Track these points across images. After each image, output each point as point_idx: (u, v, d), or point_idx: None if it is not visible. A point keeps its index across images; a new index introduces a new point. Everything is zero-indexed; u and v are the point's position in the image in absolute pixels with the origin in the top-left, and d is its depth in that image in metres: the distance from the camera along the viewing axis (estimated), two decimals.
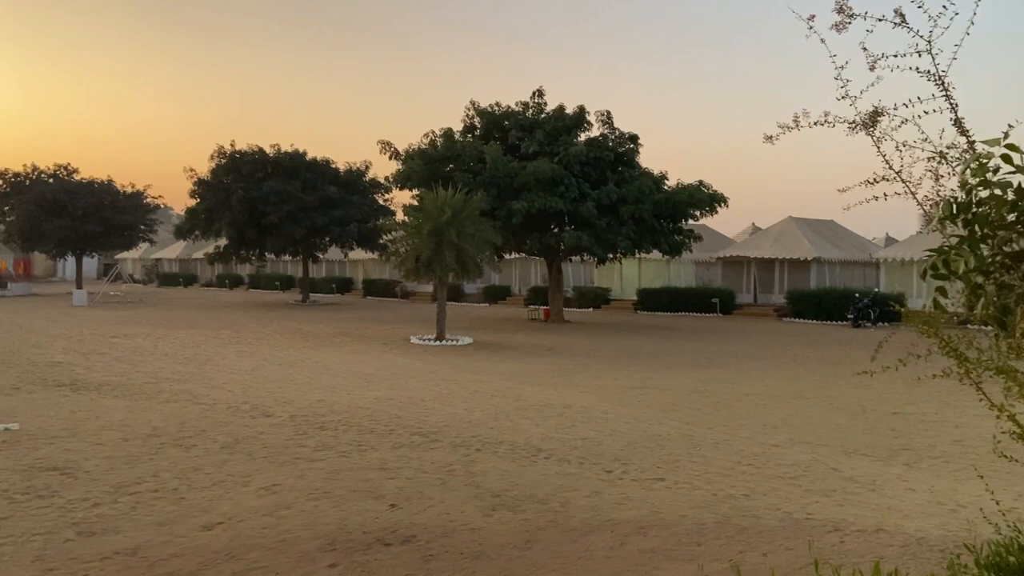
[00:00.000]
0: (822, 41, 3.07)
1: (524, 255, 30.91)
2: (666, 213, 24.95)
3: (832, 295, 28.54)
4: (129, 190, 43.18)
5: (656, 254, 28.34)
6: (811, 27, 3.05)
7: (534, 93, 26.26)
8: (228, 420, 9.63)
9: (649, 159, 73.12)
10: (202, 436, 8.69)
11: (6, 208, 41.28)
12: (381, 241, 34.19)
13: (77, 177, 42.18)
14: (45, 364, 14.41)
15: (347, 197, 34.37)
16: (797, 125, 3.25)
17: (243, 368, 14.48)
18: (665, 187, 25.41)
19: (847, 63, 3.05)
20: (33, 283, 45.45)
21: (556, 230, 25.33)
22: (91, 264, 57.71)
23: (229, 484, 6.81)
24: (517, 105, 26.28)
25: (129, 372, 13.64)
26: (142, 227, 43.81)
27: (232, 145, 34.73)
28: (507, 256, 30.03)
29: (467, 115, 26.54)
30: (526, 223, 23.84)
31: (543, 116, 25.88)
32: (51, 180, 41.24)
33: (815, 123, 3.20)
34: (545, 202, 22.86)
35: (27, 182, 41.00)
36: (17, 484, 6.67)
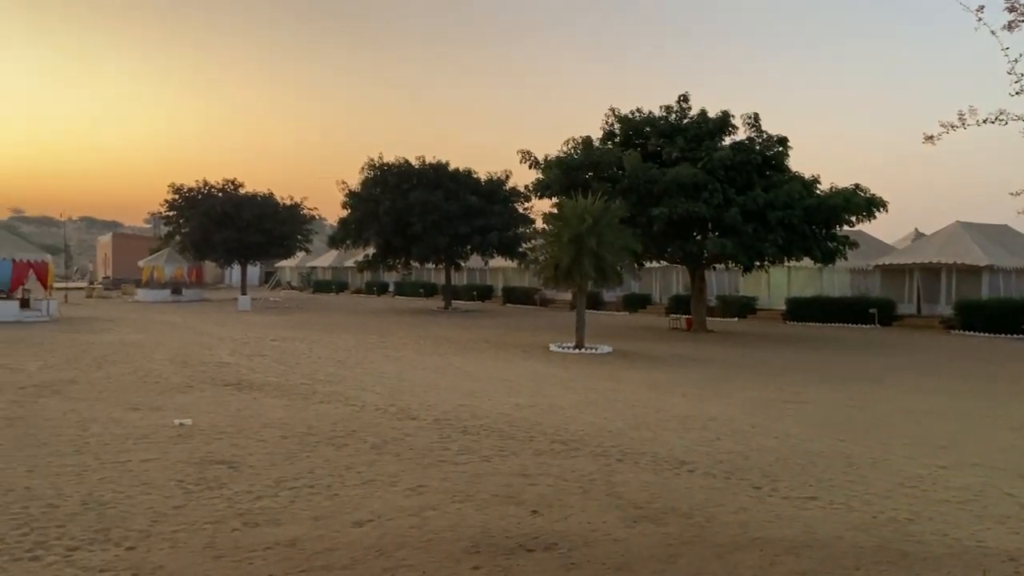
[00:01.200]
0: (993, 34, 2.80)
1: (665, 263, 30.36)
2: (819, 219, 23.76)
3: (1007, 306, 26.16)
4: (288, 203, 46.12)
5: (807, 262, 27.03)
6: (980, 19, 2.79)
7: (679, 98, 25.80)
8: (377, 422, 10.01)
9: (800, 162, 70.05)
10: (353, 436, 9.08)
11: (181, 220, 45.10)
12: (521, 249, 34.65)
13: (242, 191, 45.53)
14: (215, 364, 15.56)
15: (488, 206, 35.06)
16: (963, 123, 2.98)
17: (390, 372, 15.03)
18: (818, 191, 24.21)
19: (1020, 57, 2.76)
20: (204, 289, 49.33)
21: (699, 237, 24.70)
22: (254, 272, 61.97)
23: (378, 483, 7.07)
24: (660, 110, 25.90)
25: (287, 374, 14.49)
26: (299, 237, 46.65)
27: (380, 158, 36.33)
28: (647, 264, 29.58)
29: (606, 122, 26.42)
30: (667, 230, 23.40)
31: (686, 121, 25.36)
32: (220, 194, 44.73)
33: (984, 121, 2.92)
34: (687, 207, 22.34)
35: (199, 196, 44.68)
36: (191, 475, 7.21)
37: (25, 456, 7.81)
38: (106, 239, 78.05)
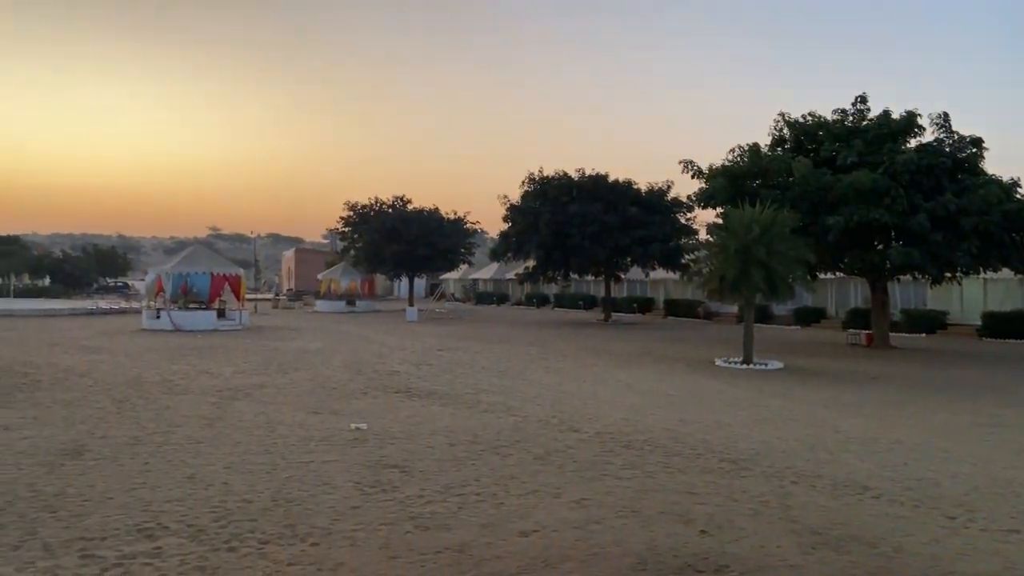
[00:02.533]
0: None
1: (841, 274, 28.59)
2: (1020, 225, 21.54)
3: None
4: (452, 217, 47.78)
5: (1006, 272, 24.55)
6: None
7: (856, 100, 24.30)
8: (539, 433, 10.08)
9: (997, 165, 64.09)
10: (517, 446, 9.19)
11: (355, 236, 47.87)
12: (683, 261, 33.87)
13: (410, 207, 47.66)
14: (386, 372, 16.31)
15: (649, 217, 34.59)
16: None
17: (551, 384, 15.12)
18: (1018, 195, 21.96)
19: None
20: (375, 301, 51.99)
21: (880, 247, 23.06)
22: (420, 284, 64.56)
23: (542, 494, 7.10)
24: (834, 113, 24.50)
25: (452, 383, 14.94)
26: (462, 250, 48.18)
27: (540, 172, 36.81)
28: (821, 276, 27.96)
29: (775, 128, 25.33)
30: (843, 240, 22.02)
31: (864, 124, 23.82)
32: (390, 211, 47.07)
33: None
34: (866, 215, 20.91)
35: (371, 213, 47.25)
36: (366, 478, 7.57)
37: (223, 454, 8.52)
38: (290, 254, 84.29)
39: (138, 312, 33.67)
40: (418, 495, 6.97)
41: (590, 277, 43.02)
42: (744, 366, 18.56)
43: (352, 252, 49.18)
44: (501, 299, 59.99)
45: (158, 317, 28.72)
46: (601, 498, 6.99)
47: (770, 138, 25.40)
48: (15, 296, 52.05)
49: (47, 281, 64.81)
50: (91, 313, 38.98)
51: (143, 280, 52.40)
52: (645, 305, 45.60)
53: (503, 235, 38.05)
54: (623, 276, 40.66)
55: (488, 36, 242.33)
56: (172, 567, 5.11)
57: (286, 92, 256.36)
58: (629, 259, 36.77)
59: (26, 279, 63.86)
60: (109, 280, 75.07)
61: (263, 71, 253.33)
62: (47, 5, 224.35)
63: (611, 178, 36.38)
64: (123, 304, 45.49)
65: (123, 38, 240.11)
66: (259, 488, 7.10)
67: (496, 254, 39.60)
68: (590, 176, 36.26)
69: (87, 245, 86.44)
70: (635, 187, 36.54)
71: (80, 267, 70.75)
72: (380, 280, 62.85)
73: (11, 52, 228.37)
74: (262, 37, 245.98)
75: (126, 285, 72.64)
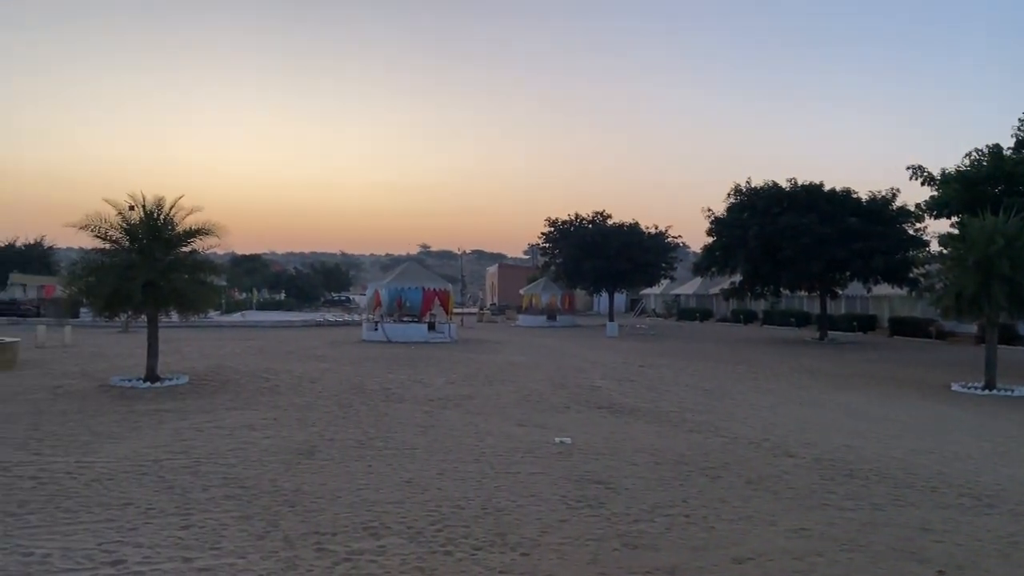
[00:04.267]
0: None
1: None
2: None
3: None
4: (652, 231, 47.22)
5: None
6: None
7: None
8: (750, 456, 9.62)
9: None
10: (726, 469, 8.82)
11: (555, 251, 48.68)
12: (912, 275, 31.05)
13: (610, 222, 47.71)
14: (588, 388, 16.36)
15: (870, 228, 32.06)
16: None
17: (761, 404, 14.40)
18: None
19: None
20: (575, 316, 52.48)
21: None
22: (620, 299, 64.32)
23: (756, 520, 6.75)
24: None
25: (656, 400, 14.67)
26: (663, 265, 47.41)
27: (748, 182, 35.41)
28: None
29: (1020, 128, 22.60)
30: None
31: None
32: (589, 226, 47.41)
33: None
34: None
35: (571, 228, 47.85)
36: (571, 492, 7.60)
37: (436, 460, 8.93)
38: (493, 269, 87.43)
39: (359, 324, 36.38)
40: (624, 513, 6.88)
41: (802, 293, 40.59)
42: (986, 392, 16.63)
43: (552, 267, 50.01)
44: (705, 315, 58.28)
45: (376, 329, 30.85)
46: (822, 529, 6.53)
47: (1013, 140, 22.71)
48: (257, 308, 58.16)
49: (282, 295, 71.97)
50: (319, 325, 42.66)
51: (363, 294, 56.62)
52: (866, 323, 42.24)
53: (707, 249, 36.95)
54: (840, 292, 37.96)
55: (687, 43, 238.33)
56: (395, 565, 5.40)
57: (489, 113, 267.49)
58: (848, 273, 34.29)
59: (265, 293, 71.33)
60: (334, 294, 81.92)
61: (466, 95, 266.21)
62: (298, 40, 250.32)
63: (827, 187, 34.22)
64: (346, 316, 49.37)
65: (348, 81, 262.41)
66: (470, 496, 7.35)
67: (700, 268, 38.54)
68: (803, 185, 34.32)
69: (315, 263, 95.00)
70: (854, 196, 34.09)
71: (310, 282, 77.90)
72: (580, 295, 63.37)
73: (260, 88, 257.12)
74: (462, 62, 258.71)
75: (349, 299, 78.82)
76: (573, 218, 48.56)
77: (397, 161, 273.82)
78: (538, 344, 29.74)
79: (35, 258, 62.15)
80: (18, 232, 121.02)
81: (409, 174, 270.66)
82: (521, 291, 53.35)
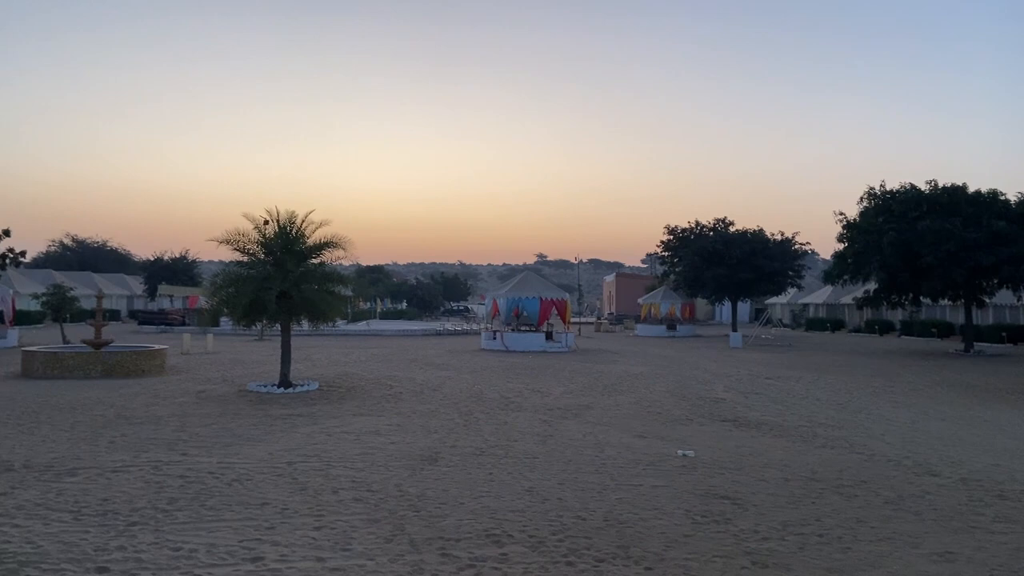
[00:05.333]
0: None
1: None
2: None
3: None
4: (778, 238, 45.51)
5: None
6: None
7: None
8: (888, 474, 9.06)
9: None
10: (863, 487, 8.35)
11: (675, 260, 47.73)
12: None
13: (732, 229, 46.37)
14: (711, 400, 15.91)
15: (1021, 232, 29.67)
16: None
17: (900, 420, 13.56)
18: None
19: None
20: (696, 326, 51.26)
21: None
22: (743, 309, 62.36)
23: (897, 542, 6.35)
24: None
25: (784, 413, 14.08)
26: (790, 273, 45.55)
27: (883, 185, 33.57)
28: None
29: None
30: None
31: None
32: (711, 233, 46.24)
33: None
34: None
35: (691, 236, 46.84)
36: (696, 507, 7.39)
37: (556, 470, 8.91)
38: (610, 279, 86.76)
39: (477, 334, 36.96)
40: (753, 530, 6.63)
41: (945, 302, 38.00)
42: None
43: (672, 276, 49.05)
44: (835, 326, 55.59)
45: (494, 338, 31.23)
46: (970, 553, 6.06)
47: None
48: (380, 318, 60.14)
49: (404, 305, 74.11)
50: (439, 334, 43.64)
51: (481, 304, 57.46)
52: (1017, 334, 39.06)
53: (838, 256, 35.19)
54: (988, 300, 35.29)
55: (818, 44, 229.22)
56: (517, 574, 5.42)
57: (607, 122, 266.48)
58: (995, 280, 31.85)
59: (388, 303, 73.69)
60: (453, 304, 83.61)
61: (580, 105, 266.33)
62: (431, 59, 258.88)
63: (971, 189, 31.97)
64: (464, 326, 50.27)
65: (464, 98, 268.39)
66: (591, 507, 7.28)
67: (830, 277, 36.77)
68: (944, 187, 32.20)
69: (435, 273, 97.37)
70: (1002, 197, 31.67)
71: (430, 292, 79.78)
72: (701, 305, 61.90)
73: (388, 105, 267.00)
74: (573, 72, 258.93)
75: (467, 308, 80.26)
76: (693, 225, 47.52)
77: (513, 172, 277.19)
78: (657, 354, 29.24)
79: (181, 271, 66.79)
80: (166, 247, 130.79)
81: (526, 184, 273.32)
82: (639, 300, 52.65)
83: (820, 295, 60.43)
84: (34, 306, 40.31)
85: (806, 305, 63.34)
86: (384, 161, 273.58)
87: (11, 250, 28.24)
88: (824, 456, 10.12)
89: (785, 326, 61.76)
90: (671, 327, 46.31)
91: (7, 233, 27.50)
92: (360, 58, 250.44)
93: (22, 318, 38.56)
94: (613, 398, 15.85)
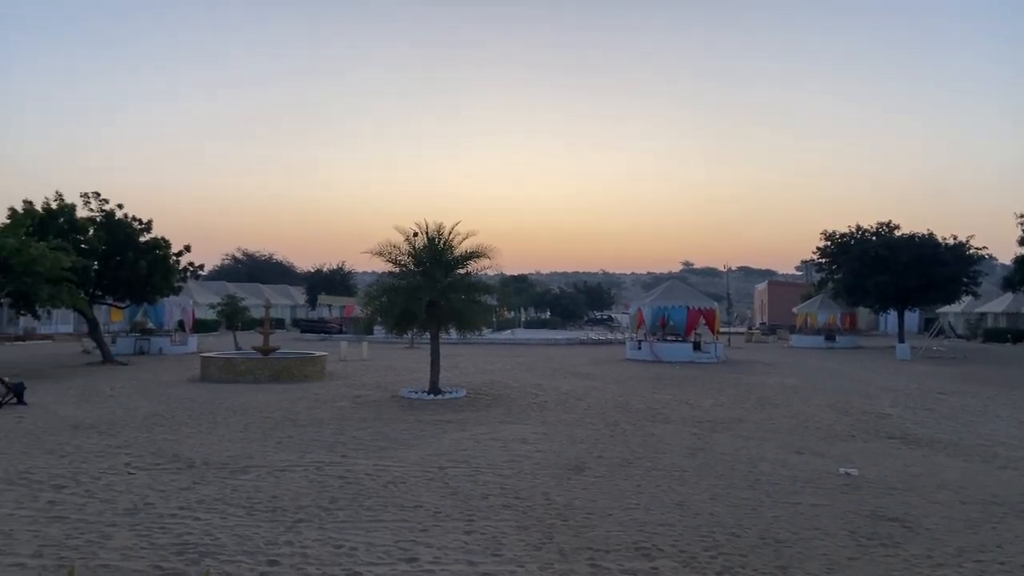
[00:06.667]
0: None
1: None
2: None
3: None
4: (950, 242, 42.13)
5: None
6: None
7: None
8: None
9: None
10: None
11: (834, 267, 45.19)
12: None
13: (898, 233, 43.40)
14: (875, 415, 14.91)
15: None
16: None
17: None
18: None
19: None
20: (858, 336, 48.29)
21: None
22: (911, 318, 58.25)
23: None
24: None
25: (959, 431, 12.98)
26: (964, 280, 42.01)
27: None
28: None
29: None
30: None
31: None
32: (873, 238, 43.47)
33: None
34: None
35: (852, 242, 44.22)
36: (861, 528, 6.94)
37: (707, 485, 8.64)
38: (762, 287, 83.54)
39: (621, 343, 36.60)
40: (926, 555, 6.14)
41: None
42: None
43: (830, 284, 46.48)
44: (1017, 336, 50.74)
45: (639, 348, 30.80)
46: None
47: None
48: (524, 327, 60.88)
49: (547, 314, 74.65)
50: (582, 343, 43.58)
51: (625, 313, 56.86)
52: None
53: (1020, 260, 32.19)
54: None
55: (993, 38, 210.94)
56: None
57: (753, 125, 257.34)
58: None
59: (532, 312, 74.50)
60: (596, 313, 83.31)
61: (727, 111, 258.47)
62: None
63: None
64: (608, 335, 49.95)
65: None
66: (746, 523, 7.01)
67: (1011, 283, 33.69)
68: None
69: (577, 282, 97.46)
70: None
71: (572, 302, 79.91)
72: (863, 314, 58.39)
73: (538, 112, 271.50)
74: (720, 68, 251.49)
75: (610, 318, 79.73)
76: (854, 230, 44.86)
77: (656, 178, 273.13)
78: (815, 366, 27.78)
79: (338, 281, 70.71)
80: (325, 259, 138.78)
81: (669, 191, 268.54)
82: (794, 309, 50.25)
83: (999, 303, 55.40)
84: (210, 315, 43.90)
85: (983, 314, 58.26)
86: (527, 170, 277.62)
87: (191, 264, 30.86)
88: (1006, 478, 9.24)
89: (959, 336, 57.05)
90: (830, 338, 43.85)
91: (188, 249, 30.06)
92: (503, 68, 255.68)
93: (200, 326, 42.09)
94: (767, 411, 15.21)
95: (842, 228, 45.47)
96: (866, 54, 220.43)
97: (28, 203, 25.34)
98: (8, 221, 23.45)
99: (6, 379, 15.30)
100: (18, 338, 39.58)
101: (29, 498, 7.75)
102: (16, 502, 7.59)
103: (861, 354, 36.58)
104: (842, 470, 9.49)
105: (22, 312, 24.28)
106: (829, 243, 45.44)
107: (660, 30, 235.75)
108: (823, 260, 46.41)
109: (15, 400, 14.94)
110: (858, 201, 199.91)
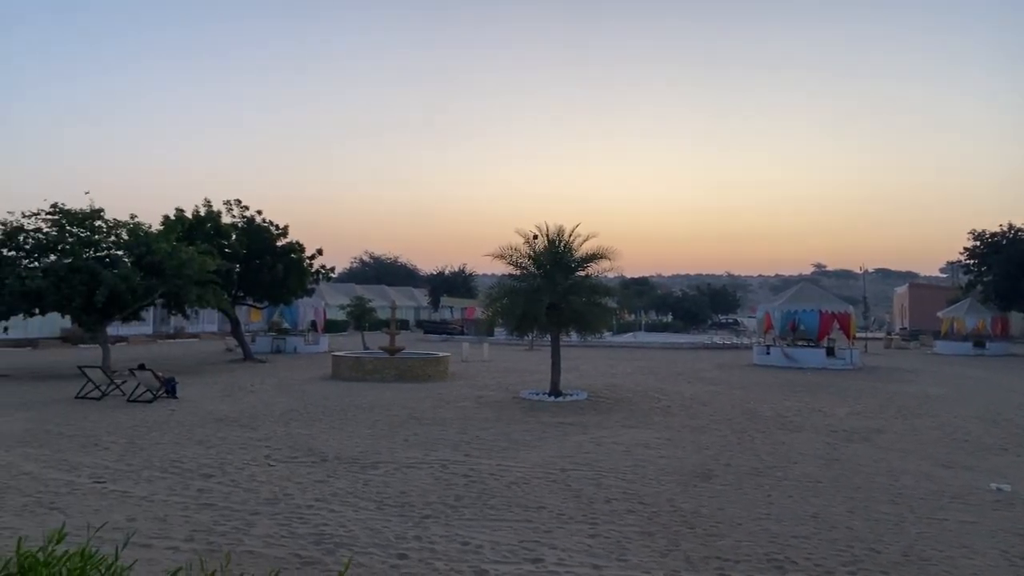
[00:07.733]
0: None
1: None
2: None
3: None
4: None
5: None
6: None
7: None
8: None
9: None
10: None
11: (983, 268, 42.03)
12: None
13: None
14: None
15: None
16: None
17: None
18: None
19: None
20: (1011, 343, 44.70)
21: None
22: None
23: None
24: None
25: None
26: None
27: None
28: None
29: None
30: None
31: None
32: None
33: None
34: None
35: (1004, 241, 41.01)
36: (1015, 547, 6.44)
37: (843, 497, 8.22)
38: (902, 290, 78.70)
39: (748, 347, 35.40)
40: None
41: None
42: None
43: (980, 287, 43.24)
44: None
45: (768, 352, 29.69)
46: None
47: None
48: (645, 330, 60.00)
49: (669, 317, 73.26)
50: (706, 347, 42.47)
51: (752, 317, 54.97)
52: None
53: None
54: None
55: None
56: None
57: (890, 116, 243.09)
58: None
59: (653, 315, 73.35)
60: (721, 317, 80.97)
61: (860, 100, 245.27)
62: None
63: None
64: (734, 339, 48.44)
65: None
66: (887, 539, 6.62)
67: None
68: None
69: (701, 285, 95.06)
70: None
71: (696, 305, 78.02)
72: (1017, 319, 54.04)
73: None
74: (850, 62, 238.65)
75: (736, 321, 77.26)
76: (1006, 229, 41.62)
77: (785, 177, 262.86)
78: (962, 374, 25.90)
79: (459, 284, 72.12)
80: (447, 262, 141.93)
81: (798, 189, 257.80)
82: (939, 314, 47.02)
83: None
84: (340, 316, 45.81)
85: None
86: (648, 170, 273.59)
87: (323, 266, 32.29)
88: None
89: None
90: (979, 344, 40.77)
91: (320, 252, 31.48)
92: (625, 67, 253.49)
93: (330, 326, 44.00)
94: (909, 421, 14.32)
95: (992, 227, 42.28)
96: (1017, 44, 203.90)
97: (180, 210, 27.31)
98: (162, 227, 25.34)
99: (160, 374, 16.52)
100: (170, 336, 42.69)
101: (181, 486, 8.33)
102: (170, 489, 8.17)
103: (1015, 362, 33.84)
104: (993, 485, 8.80)
105: (173, 312, 26.13)
106: (978, 243, 42.36)
107: (793, 20, 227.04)
108: (971, 261, 43.29)
109: (168, 394, 16.14)
110: (1009, 198, 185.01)
